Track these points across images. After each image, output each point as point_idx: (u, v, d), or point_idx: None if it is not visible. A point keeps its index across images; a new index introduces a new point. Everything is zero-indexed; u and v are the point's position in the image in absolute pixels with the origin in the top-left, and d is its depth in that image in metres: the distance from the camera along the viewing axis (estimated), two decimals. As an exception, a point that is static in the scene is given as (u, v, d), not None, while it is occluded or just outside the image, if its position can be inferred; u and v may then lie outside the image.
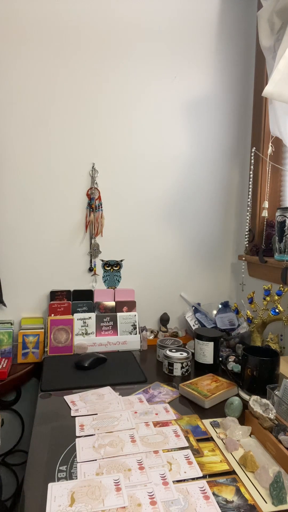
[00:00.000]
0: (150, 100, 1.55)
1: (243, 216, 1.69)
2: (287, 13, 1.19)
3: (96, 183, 1.54)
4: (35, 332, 1.42)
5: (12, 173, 1.47)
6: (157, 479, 0.74)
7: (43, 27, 1.42)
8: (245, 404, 1.00)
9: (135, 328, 1.52)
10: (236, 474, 0.77)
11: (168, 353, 1.28)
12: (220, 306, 1.63)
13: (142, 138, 1.57)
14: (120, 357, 1.39)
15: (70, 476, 0.75)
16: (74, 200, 1.53)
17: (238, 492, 0.71)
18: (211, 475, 0.76)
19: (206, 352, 1.28)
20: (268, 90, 1.10)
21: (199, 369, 1.29)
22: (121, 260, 1.62)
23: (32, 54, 1.43)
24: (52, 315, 1.48)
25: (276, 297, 1.24)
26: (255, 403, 0.93)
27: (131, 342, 1.49)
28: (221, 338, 1.36)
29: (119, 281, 1.63)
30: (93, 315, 1.51)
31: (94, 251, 1.57)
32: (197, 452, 0.83)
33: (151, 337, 1.59)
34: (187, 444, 0.85)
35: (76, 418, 0.97)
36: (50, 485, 0.72)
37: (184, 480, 0.74)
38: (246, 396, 1.08)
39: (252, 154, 1.50)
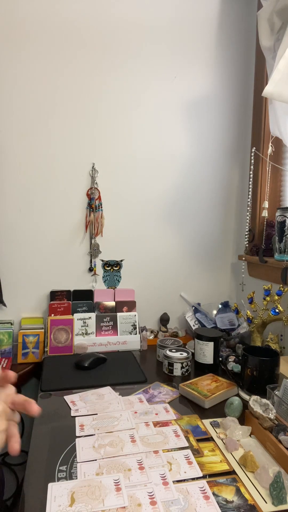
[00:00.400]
0: (150, 100, 1.55)
1: (243, 216, 1.69)
2: (287, 13, 1.19)
3: (96, 183, 1.54)
4: (35, 332, 1.42)
5: (12, 173, 1.47)
6: (157, 479, 0.74)
7: (43, 28, 1.42)
8: (245, 404, 1.00)
9: (135, 328, 1.52)
10: (236, 474, 0.77)
11: (168, 353, 1.28)
12: (220, 306, 1.63)
13: (142, 138, 1.57)
14: (120, 357, 1.39)
15: (70, 476, 0.75)
16: (74, 200, 1.53)
17: (238, 492, 0.71)
18: (211, 475, 0.76)
19: (206, 352, 1.28)
20: (268, 90, 1.10)
21: (199, 369, 1.29)
22: (121, 260, 1.62)
23: (33, 55, 1.43)
24: (52, 315, 1.48)
25: (276, 297, 1.24)
26: (255, 403, 0.93)
27: (131, 342, 1.49)
28: (221, 338, 1.36)
29: (119, 281, 1.63)
30: (93, 315, 1.51)
31: (94, 251, 1.57)
32: (197, 452, 0.83)
33: (151, 337, 1.59)
34: (187, 444, 0.85)
35: (76, 418, 0.97)
36: (50, 485, 0.72)
37: (184, 480, 0.74)
38: (246, 396, 1.08)
39: (252, 154, 1.50)
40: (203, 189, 1.66)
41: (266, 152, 1.46)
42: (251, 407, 0.91)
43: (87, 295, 1.57)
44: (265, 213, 1.44)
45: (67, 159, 1.51)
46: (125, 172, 1.57)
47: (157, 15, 1.51)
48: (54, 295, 1.53)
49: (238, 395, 1.11)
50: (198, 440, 0.87)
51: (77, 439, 0.87)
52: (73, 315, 1.50)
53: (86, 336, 1.47)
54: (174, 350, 1.31)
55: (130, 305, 1.58)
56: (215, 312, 1.62)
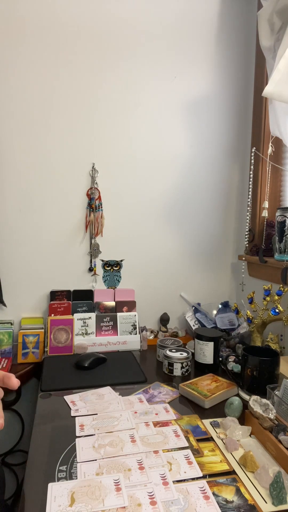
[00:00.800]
0: (150, 100, 1.55)
1: (243, 216, 1.69)
2: (287, 13, 1.19)
3: (96, 183, 1.54)
4: (35, 332, 1.42)
5: (12, 173, 1.47)
6: (157, 479, 0.74)
7: (42, 27, 1.42)
8: (245, 404, 1.00)
9: (135, 328, 1.52)
10: (236, 474, 0.77)
11: (168, 353, 1.28)
12: (220, 306, 1.63)
13: (142, 138, 1.57)
14: (120, 357, 1.39)
15: (70, 476, 0.75)
16: (74, 200, 1.53)
17: (238, 492, 0.71)
18: (211, 475, 0.76)
19: (206, 352, 1.28)
20: (268, 90, 1.10)
21: (199, 369, 1.29)
22: (121, 260, 1.62)
23: (32, 55, 1.43)
24: (52, 315, 1.48)
25: (276, 297, 1.24)
26: (255, 403, 0.93)
27: (131, 342, 1.49)
28: (221, 338, 1.36)
29: (119, 281, 1.63)
30: (93, 315, 1.51)
31: (94, 251, 1.57)
32: (197, 452, 0.83)
33: (151, 337, 1.59)
34: (187, 444, 0.85)
35: (76, 418, 0.97)
36: (50, 485, 0.72)
37: (184, 480, 0.74)
38: (246, 396, 1.08)
39: (252, 154, 1.50)
40: (203, 189, 1.66)
41: (266, 152, 1.46)
42: (251, 407, 0.91)
43: (87, 295, 1.57)
44: (265, 213, 1.44)
45: (67, 159, 1.51)
46: (125, 172, 1.57)
47: (157, 15, 1.51)
48: (54, 295, 1.53)
49: (238, 395, 1.11)
50: (198, 440, 0.87)
51: (77, 439, 0.87)
52: (73, 315, 1.50)
53: (86, 336, 1.47)
54: (174, 350, 1.31)
55: (130, 305, 1.58)
56: (215, 312, 1.62)
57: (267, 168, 1.47)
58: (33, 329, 1.44)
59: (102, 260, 1.60)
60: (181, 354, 1.27)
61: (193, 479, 0.75)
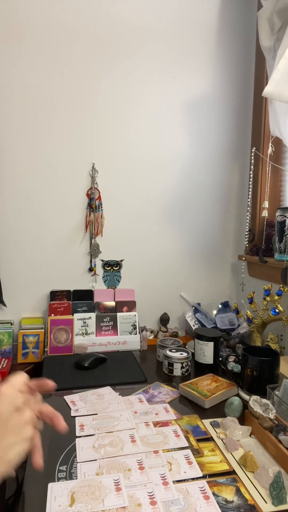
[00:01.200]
0: (150, 100, 1.55)
1: (243, 216, 1.69)
2: (287, 13, 1.19)
3: (96, 183, 1.54)
4: (35, 332, 1.42)
5: (12, 173, 1.47)
6: (157, 479, 0.74)
7: (42, 27, 1.42)
8: (245, 404, 1.00)
9: (135, 328, 1.52)
10: (236, 474, 0.77)
11: (168, 353, 1.28)
12: (220, 306, 1.63)
13: (142, 138, 1.57)
14: (120, 357, 1.39)
15: (70, 476, 0.75)
16: (74, 200, 1.53)
17: (238, 492, 0.71)
18: (211, 475, 0.76)
19: (206, 352, 1.28)
20: (268, 90, 1.10)
21: (199, 369, 1.29)
22: (121, 260, 1.62)
23: (32, 55, 1.43)
24: (52, 315, 1.48)
25: (276, 297, 1.24)
26: (255, 403, 0.93)
27: (131, 342, 1.49)
28: (221, 338, 1.36)
29: (119, 281, 1.63)
30: (93, 315, 1.51)
31: (94, 251, 1.57)
32: (197, 452, 0.83)
33: (151, 337, 1.59)
34: (187, 444, 0.85)
35: (76, 418, 0.97)
36: (50, 485, 0.72)
37: (184, 480, 0.74)
38: (246, 396, 1.08)
39: (252, 154, 1.50)
40: (203, 189, 1.66)
41: (266, 152, 1.46)
42: (251, 407, 0.91)
43: (87, 295, 1.57)
44: (265, 213, 1.44)
45: (67, 159, 1.51)
46: (125, 172, 1.57)
47: (157, 15, 1.51)
48: (54, 295, 1.53)
49: (238, 395, 1.11)
50: (198, 440, 0.87)
51: (77, 439, 0.87)
52: (73, 315, 1.50)
53: (86, 336, 1.47)
54: (174, 350, 1.31)
55: (130, 305, 1.58)
56: (215, 312, 1.62)
57: (267, 168, 1.47)
58: (33, 329, 1.44)
59: (102, 260, 1.60)
60: (181, 354, 1.27)
61: (193, 479, 0.75)
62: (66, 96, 1.48)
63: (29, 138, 1.46)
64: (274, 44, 1.26)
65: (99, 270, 1.60)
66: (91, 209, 1.54)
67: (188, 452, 0.82)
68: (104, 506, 0.67)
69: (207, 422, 0.96)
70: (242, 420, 0.96)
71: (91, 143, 1.52)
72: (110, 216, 1.57)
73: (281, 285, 1.26)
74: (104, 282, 1.61)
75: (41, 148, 1.48)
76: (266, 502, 0.69)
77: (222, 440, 0.88)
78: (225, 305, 1.62)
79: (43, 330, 1.44)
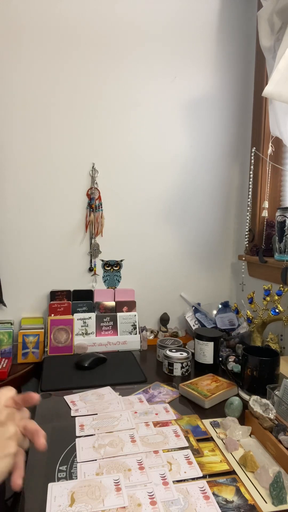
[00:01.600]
0: (150, 100, 1.55)
1: (243, 216, 1.68)
2: (287, 13, 1.19)
3: (96, 183, 1.54)
4: (35, 332, 1.42)
5: (12, 173, 1.47)
6: (157, 479, 0.74)
7: (43, 27, 1.42)
8: (245, 404, 1.00)
9: (135, 328, 1.52)
10: (236, 474, 0.77)
11: (168, 353, 1.28)
12: (220, 306, 1.63)
13: (142, 138, 1.57)
14: (120, 357, 1.39)
15: (70, 476, 0.75)
16: (74, 200, 1.53)
17: (238, 492, 0.71)
18: (211, 475, 0.76)
19: (206, 352, 1.28)
20: (268, 90, 1.10)
21: (199, 369, 1.29)
22: (121, 260, 1.62)
23: (32, 55, 1.43)
24: (52, 315, 1.48)
25: (276, 297, 1.24)
26: (255, 403, 0.93)
27: (131, 342, 1.49)
28: (221, 338, 1.36)
29: (119, 281, 1.63)
30: (93, 315, 1.51)
31: (94, 251, 1.57)
32: (197, 452, 0.83)
33: (151, 337, 1.58)
34: (187, 444, 0.85)
35: (76, 418, 0.97)
36: (50, 485, 0.72)
37: (184, 480, 0.74)
38: (246, 396, 1.08)
39: (252, 154, 1.50)
40: (203, 189, 1.66)
41: (266, 152, 1.46)
42: (251, 407, 0.91)
43: (87, 295, 1.57)
44: (265, 213, 1.44)
45: (67, 159, 1.51)
46: (125, 172, 1.57)
47: (157, 15, 1.51)
48: (54, 295, 1.53)
49: (238, 395, 1.11)
50: (198, 440, 0.87)
51: (77, 439, 0.87)
52: (73, 315, 1.50)
53: (86, 336, 1.47)
54: (174, 350, 1.31)
55: (130, 305, 1.58)
56: (215, 312, 1.62)
57: (267, 168, 1.47)
58: (33, 329, 1.44)
59: (102, 260, 1.60)
60: (181, 354, 1.27)
61: (193, 479, 0.75)
62: (66, 96, 1.48)
63: (29, 138, 1.46)
64: (274, 44, 1.26)
65: (99, 270, 1.60)
66: (91, 209, 1.54)
67: (188, 452, 0.82)
68: (104, 506, 0.67)
69: (207, 422, 0.96)
70: (242, 420, 0.96)
71: (91, 143, 1.52)
72: (110, 216, 1.57)
73: (281, 285, 1.26)
74: (104, 282, 1.61)
75: (41, 148, 1.48)
76: (266, 502, 0.69)
77: (222, 440, 0.88)
78: (225, 305, 1.62)
79: (43, 330, 1.44)
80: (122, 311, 1.56)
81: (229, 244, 1.73)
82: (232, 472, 0.77)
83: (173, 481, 0.73)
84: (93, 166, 1.53)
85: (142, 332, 1.53)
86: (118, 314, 1.54)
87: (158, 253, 1.65)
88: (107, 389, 1.12)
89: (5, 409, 0.55)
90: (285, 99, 1.09)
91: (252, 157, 1.50)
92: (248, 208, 1.55)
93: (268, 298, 1.27)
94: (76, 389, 1.13)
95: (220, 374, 1.24)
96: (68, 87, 1.47)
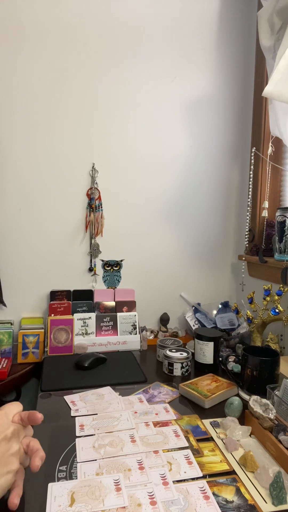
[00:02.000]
0: (150, 100, 1.55)
1: (243, 216, 1.69)
2: (287, 13, 1.19)
3: (96, 183, 1.54)
4: (35, 332, 1.42)
5: (12, 173, 1.47)
6: (157, 479, 0.74)
7: (43, 27, 1.42)
8: (245, 404, 1.00)
9: (135, 328, 1.52)
10: (236, 474, 0.77)
11: (168, 353, 1.28)
12: (220, 306, 1.63)
13: (142, 138, 1.57)
14: (120, 357, 1.39)
15: (70, 476, 0.75)
16: (74, 200, 1.53)
17: (238, 492, 0.71)
18: (211, 475, 0.76)
19: (206, 352, 1.28)
20: (268, 90, 1.10)
21: (199, 369, 1.29)
22: (121, 260, 1.62)
23: (32, 55, 1.43)
24: (52, 315, 1.48)
25: (276, 297, 1.24)
26: (255, 403, 0.93)
27: (131, 342, 1.49)
28: (221, 338, 1.36)
29: (119, 281, 1.63)
30: (93, 315, 1.51)
31: (94, 251, 1.57)
32: (197, 452, 0.83)
33: (151, 337, 1.58)
34: (187, 444, 0.85)
35: (76, 418, 0.97)
36: (50, 485, 0.72)
37: (184, 480, 0.74)
38: (246, 396, 1.08)
39: (252, 154, 1.50)
40: (203, 189, 1.66)
41: (266, 152, 1.46)
42: (251, 407, 0.91)
43: (87, 295, 1.57)
44: (265, 213, 1.44)
45: (67, 159, 1.51)
46: (125, 172, 1.57)
47: (157, 15, 1.51)
48: (54, 295, 1.53)
49: (238, 395, 1.11)
50: (198, 440, 0.87)
51: (77, 439, 0.87)
52: (73, 315, 1.50)
53: (86, 336, 1.47)
54: (174, 350, 1.31)
55: (130, 305, 1.58)
56: (215, 312, 1.62)
57: (267, 168, 1.47)
58: (33, 329, 1.44)
59: (102, 260, 1.60)
60: (181, 354, 1.27)
61: (193, 479, 0.75)
62: (66, 96, 1.48)
63: (29, 138, 1.46)
64: (274, 44, 1.26)
65: (99, 270, 1.60)
66: (91, 209, 1.54)
67: (188, 452, 0.82)
68: (104, 506, 0.67)
69: (207, 422, 0.96)
70: (242, 420, 0.96)
71: (91, 143, 1.52)
72: (110, 216, 1.57)
73: (281, 285, 1.26)
74: (104, 282, 1.61)
75: (41, 148, 1.48)
76: (266, 502, 0.69)
77: (222, 440, 0.88)
78: (225, 305, 1.62)
79: (43, 330, 1.44)
80: (122, 311, 1.56)
81: (229, 244, 1.73)
82: (232, 472, 0.77)
83: (173, 481, 0.73)
84: (93, 166, 1.53)
85: (142, 332, 1.53)
86: (118, 314, 1.54)
87: (158, 253, 1.65)
88: (107, 389, 1.12)
89: (12, 425, 0.55)
90: (285, 99, 1.09)
91: (252, 157, 1.51)
92: (248, 208, 1.55)
93: (268, 298, 1.27)
94: (76, 389, 1.13)
95: (220, 374, 1.24)
96: (68, 87, 1.47)
